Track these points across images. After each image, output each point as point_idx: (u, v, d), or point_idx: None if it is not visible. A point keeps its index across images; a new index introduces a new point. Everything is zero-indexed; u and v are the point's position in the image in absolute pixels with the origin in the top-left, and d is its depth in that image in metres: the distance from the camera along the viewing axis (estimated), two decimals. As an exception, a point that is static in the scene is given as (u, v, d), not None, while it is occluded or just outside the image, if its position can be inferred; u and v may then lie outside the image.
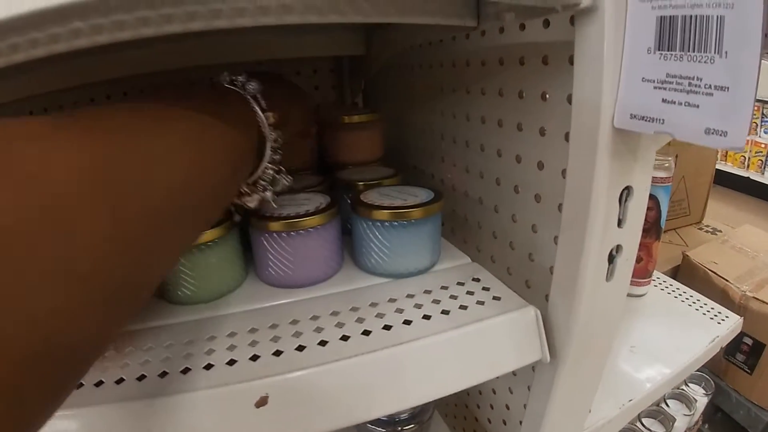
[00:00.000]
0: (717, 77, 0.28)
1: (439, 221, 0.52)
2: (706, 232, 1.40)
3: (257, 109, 0.39)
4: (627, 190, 0.37)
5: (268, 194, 0.42)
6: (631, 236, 0.39)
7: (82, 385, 0.36)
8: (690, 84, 0.29)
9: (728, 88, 0.27)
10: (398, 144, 0.76)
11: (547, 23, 0.39)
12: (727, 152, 2.55)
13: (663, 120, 0.31)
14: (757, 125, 2.42)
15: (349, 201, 0.52)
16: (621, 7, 0.32)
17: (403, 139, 0.75)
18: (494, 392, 0.61)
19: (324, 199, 0.50)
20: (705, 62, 0.28)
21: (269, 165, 0.41)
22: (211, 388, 0.35)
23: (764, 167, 2.41)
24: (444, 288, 0.47)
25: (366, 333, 0.40)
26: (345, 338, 0.39)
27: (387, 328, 0.41)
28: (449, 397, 0.74)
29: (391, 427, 0.64)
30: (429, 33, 0.58)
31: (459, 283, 0.48)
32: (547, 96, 0.41)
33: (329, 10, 0.33)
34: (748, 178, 2.48)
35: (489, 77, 0.49)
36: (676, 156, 1.25)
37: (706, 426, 1.25)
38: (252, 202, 0.42)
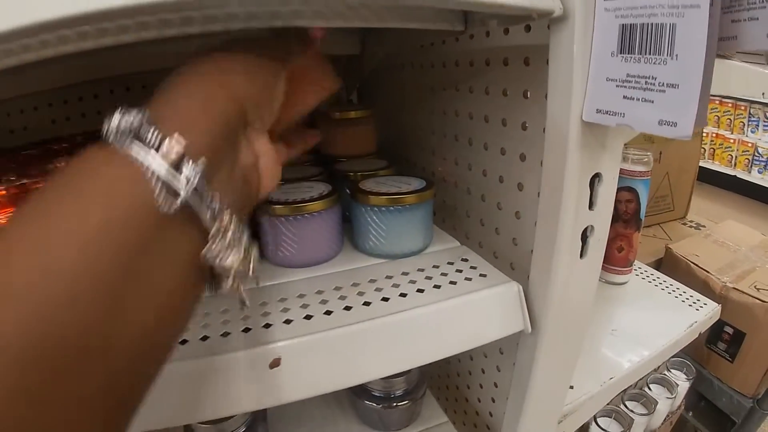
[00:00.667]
0: (669, 76, 0.33)
1: (431, 207, 0.57)
2: (690, 227, 1.46)
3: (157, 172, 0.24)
4: (597, 177, 0.43)
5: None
6: (601, 217, 0.45)
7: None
8: (646, 83, 0.35)
9: (678, 85, 0.33)
10: (390, 138, 0.81)
11: (528, 28, 0.45)
12: (714, 151, 2.62)
13: (624, 114, 0.36)
14: (743, 125, 2.48)
15: (347, 190, 0.58)
16: (590, 15, 0.37)
17: (395, 134, 0.80)
18: (483, 372, 0.67)
19: (326, 187, 0.55)
20: (659, 64, 0.34)
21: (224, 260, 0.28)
22: (231, 352, 0.40)
23: (750, 166, 2.48)
24: (435, 267, 0.53)
25: (366, 304, 0.45)
26: (348, 308, 0.45)
27: (385, 299, 0.46)
28: (440, 378, 0.80)
29: (385, 402, 0.69)
30: (421, 36, 0.63)
31: (449, 263, 0.54)
32: (529, 94, 0.47)
33: (334, 15, 0.39)
34: (735, 176, 2.55)
35: (476, 77, 0.55)
36: (660, 153, 1.32)
37: (691, 414, 1.31)
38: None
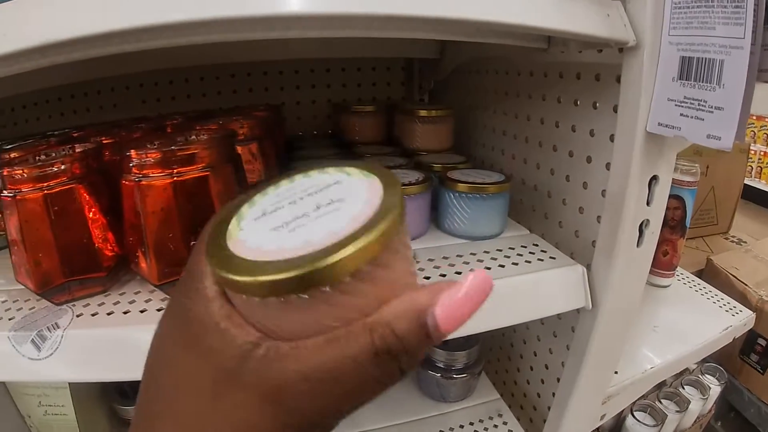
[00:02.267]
0: (716, 101, 0.44)
1: (508, 197, 0.68)
2: (732, 242, 1.54)
3: None
4: (654, 179, 0.54)
5: None
6: (656, 213, 0.56)
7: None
8: (699, 104, 0.46)
9: (723, 108, 0.44)
10: (463, 137, 0.93)
11: (600, 50, 0.56)
12: (762, 169, 2.67)
13: (680, 128, 0.47)
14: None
15: (436, 179, 0.69)
16: (656, 46, 0.48)
17: (467, 134, 0.92)
18: (535, 354, 0.77)
19: (419, 174, 0.67)
20: (709, 90, 0.45)
21: None
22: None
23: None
24: (511, 248, 0.64)
25: (458, 273, 0.57)
26: (443, 276, 0.56)
27: (472, 270, 0.57)
28: (490, 363, 0.91)
29: (446, 374, 0.81)
30: (500, 49, 0.74)
31: (522, 246, 0.65)
32: (598, 105, 0.58)
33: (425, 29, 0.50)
34: (780, 195, 2.61)
35: (550, 87, 0.66)
36: (707, 167, 1.40)
37: (719, 424, 1.39)
38: None
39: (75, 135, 0.71)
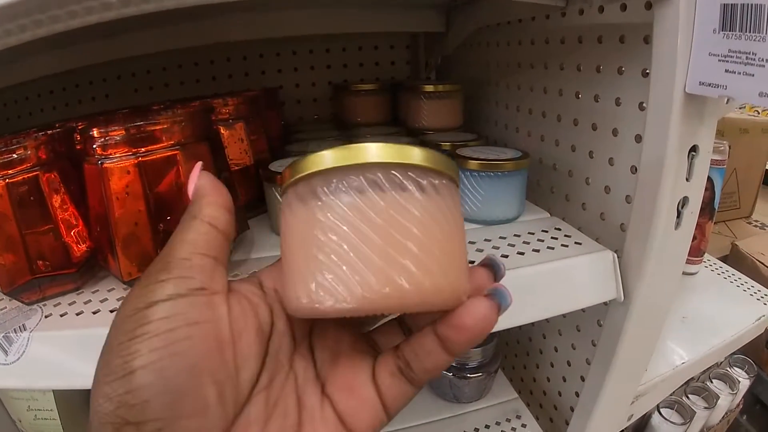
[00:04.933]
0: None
1: (526, 176, 0.61)
2: (755, 226, 1.48)
3: None
4: (694, 149, 0.47)
5: None
6: (696, 189, 0.49)
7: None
8: (747, 58, 0.39)
9: (778, 60, 0.37)
10: (473, 115, 0.87)
11: (624, 7, 0.50)
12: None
13: (726, 86, 0.41)
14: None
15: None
16: (692, -5, 0.42)
17: (477, 111, 0.86)
18: (556, 350, 0.71)
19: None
20: (759, 41, 0.38)
21: None
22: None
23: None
24: (531, 233, 0.58)
25: (471, 262, 0.50)
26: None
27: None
28: (507, 359, 0.85)
29: (460, 373, 0.74)
30: (512, 12, 0.68)
31: (543, 231, 0.59)
32: (623, 70, 0.51)
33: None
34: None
35: (568, 54, 0.60)
36: (729, 147, 1.34)
37: (744, 417, 1.33)
38: None
39: (56, 125, 0.67)
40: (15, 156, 0.45)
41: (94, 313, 0.47)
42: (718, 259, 1.28)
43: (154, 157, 0.44)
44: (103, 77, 0.97)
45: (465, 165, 0.58)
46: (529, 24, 0.67)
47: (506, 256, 0.52)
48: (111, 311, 0.47)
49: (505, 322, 0.49)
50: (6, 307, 0.49)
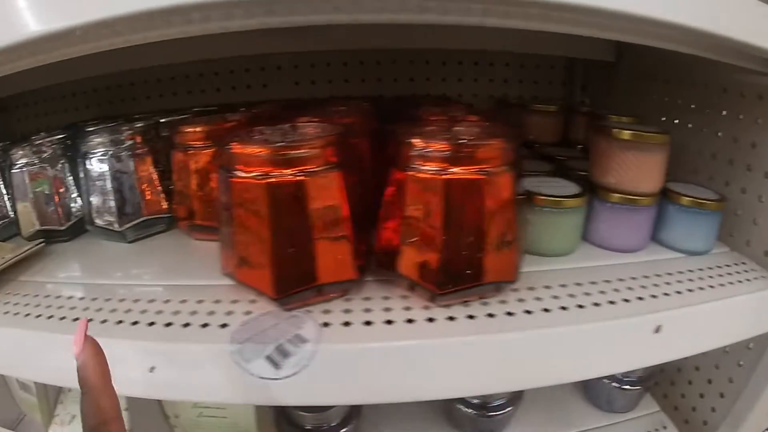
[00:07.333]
0: None
1: (720, 216, 0.64)
2: None
3: None
4: None
5: None
6: None
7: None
8: None
9: None
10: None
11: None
12: None
13: None
14: None
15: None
16: None
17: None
18: (696, 369, 0.76)
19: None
20: None
21: None
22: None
23: None
24: (725, 266, 0.62)
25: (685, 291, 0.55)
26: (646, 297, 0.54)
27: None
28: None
29: (621, 384, 0.79)
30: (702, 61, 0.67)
31: (731, 264, 0.63)
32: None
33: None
34: None
35: (747, 108, 0.64)
36: None
37: None
38: None
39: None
40: (306, 153, 0.45)
41: (387, 323, 0.47)
42: None
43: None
44: (261, 66, 1.02)
45: (678, 200, 0.63)
46: (723, 71, 0.65)
47: (712, 287, 0.56)
48: (407, 320, 0.47)
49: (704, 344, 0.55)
50: (251, 311, 0.48)
